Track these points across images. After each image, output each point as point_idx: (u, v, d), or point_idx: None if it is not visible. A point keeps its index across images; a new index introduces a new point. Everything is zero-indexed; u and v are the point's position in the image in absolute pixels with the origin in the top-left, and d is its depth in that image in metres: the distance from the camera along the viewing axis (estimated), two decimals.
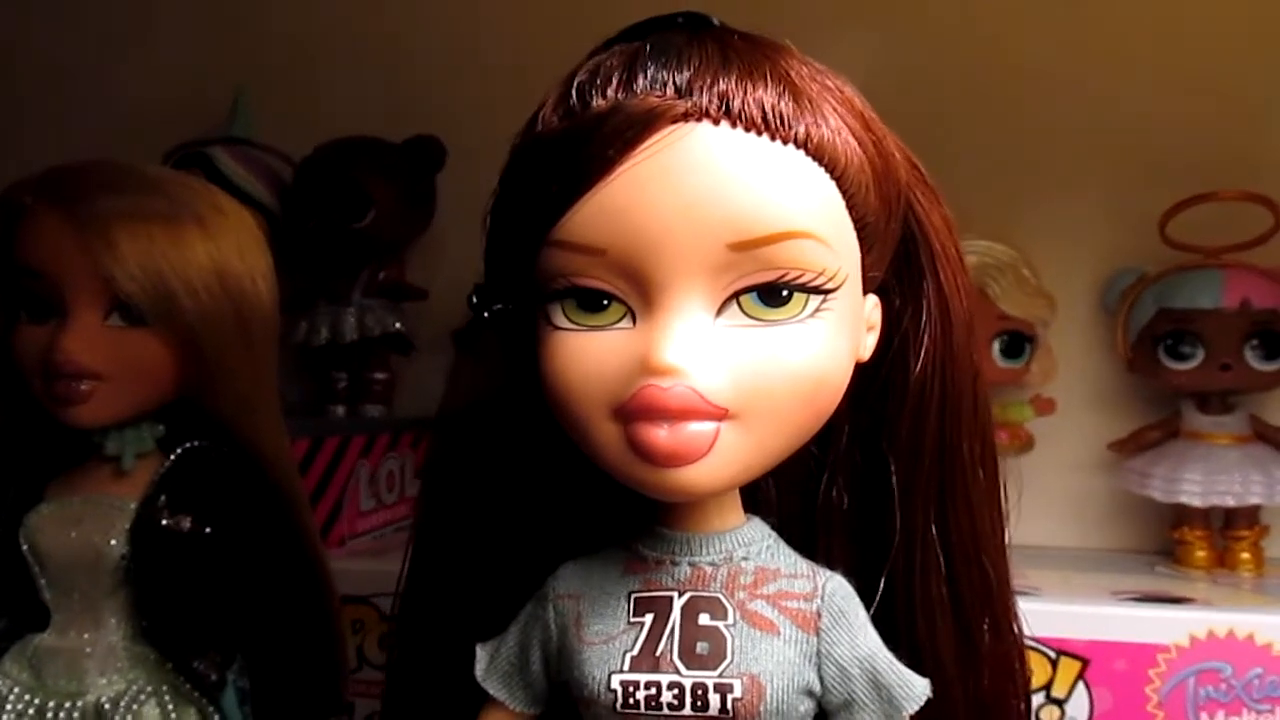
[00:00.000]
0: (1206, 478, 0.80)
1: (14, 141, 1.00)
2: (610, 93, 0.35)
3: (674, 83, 0.35)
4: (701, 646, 0.37)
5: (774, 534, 0.40)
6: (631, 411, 0.35)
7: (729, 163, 0.34)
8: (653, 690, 0.37)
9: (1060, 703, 0.67)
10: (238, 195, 0.66)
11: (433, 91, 0.99)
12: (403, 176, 0.93)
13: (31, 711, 0.53)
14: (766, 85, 0.35)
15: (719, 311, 0.35)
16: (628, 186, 0.34)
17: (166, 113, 1.00)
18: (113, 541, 0.54)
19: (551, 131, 0.36)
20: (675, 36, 0.37)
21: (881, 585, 0.42)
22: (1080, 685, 0.66)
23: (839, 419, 0.40)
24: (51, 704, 0.53)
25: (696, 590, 0.38)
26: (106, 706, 0.53)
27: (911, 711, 0.38)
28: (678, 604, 0.38)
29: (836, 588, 0.39)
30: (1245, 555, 0.82)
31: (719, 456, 0.35)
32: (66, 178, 0.54)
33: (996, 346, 0.85)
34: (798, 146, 0.35)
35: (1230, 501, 0.80)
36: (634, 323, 0.36)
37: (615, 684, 0.37)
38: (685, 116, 0.34)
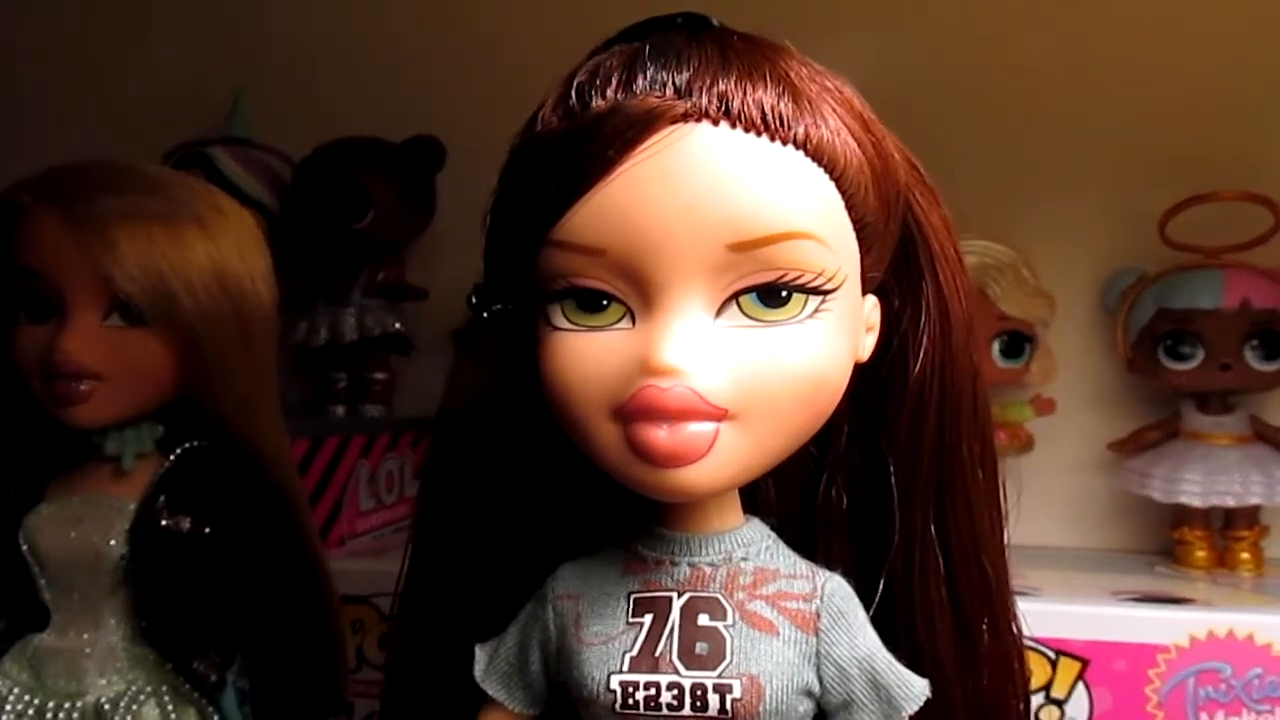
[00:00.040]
0: (1206, 478, 0.80)
1: (14, 141, 1.00)
2: (610, 93, 0.35)
3: (673, 83, 0.35)
4: (701, 647, 0.37)
5: (773, 534, 0.40)
6: (631, 412, 0.35)
7: (728, 163, 0.34)
8: (652, 691, 0.37)
9: (1060, 703, 0.67)
10: (237, 195, 0.66)
11: (432, 91, 0.99)
12: (402, 177, 0.93)
13: (31, 712, 0.53)
14: (766, 86, 0.35)
15: (718, 312, 0.35)
16: (627, 187, 0.34)
17: (166, 113, 1.00)
18: (112, 542, 0.54)
19: (551, 132, 0.36)
20: (675, 37, 0.37)
21: (881, 585, 0.42)
22: (1080, 685, 0.66)
23: (838, 419, 0.40)
24: (51, 704, 0.53)
25: (696, 591, 0.38)
26: (106, 707, 0.53)
27: (911, 712, 0.38)
28: (677, 604, 0.38)
29: (836, 588, 0.39)
30: (1245, 555, 0.82)
31: (718, 457, 0.35)
32: (66, 178, 0.54)
33: (996, 347, 0.85)
34: (797, 147, 0.35)
35: (1230, 502, 0.80)
36: (633, 323, 0.36)
37: (614, 684, 0.37)
38: (685, 117, 0.34)
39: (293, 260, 0.85)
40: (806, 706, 0.38)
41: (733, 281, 0.35)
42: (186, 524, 0.54)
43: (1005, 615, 0.44)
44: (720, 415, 0.35)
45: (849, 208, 0.37)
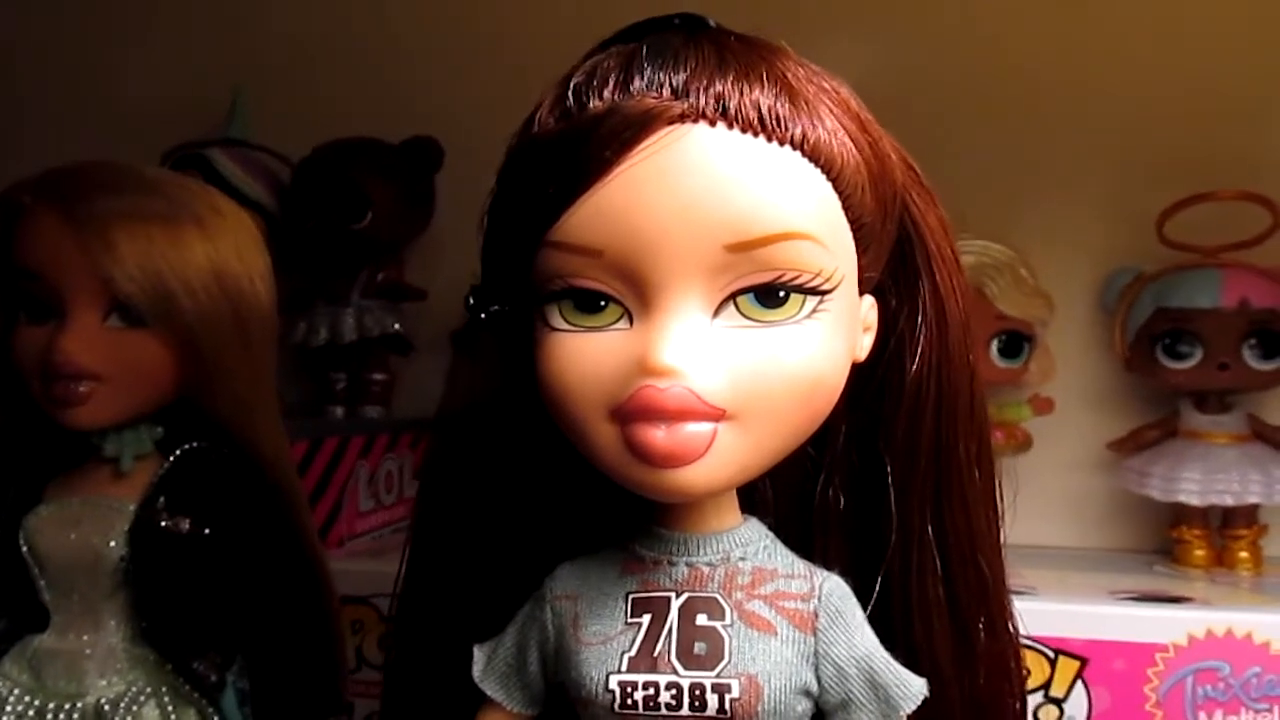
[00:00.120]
0: (1205, 477, 0.80)
1: (14, 141, 1.00)
2: (607, 94, 0.35)
3: (670, 84, 0.35)
4: (699, 647, 0.37)
5: (771, 534, 0.40)
6: (629, 412, 0.35)
7: (725, 164, 0.34)
8: (650, 691, 0.37)
9: (1059, 702, 0.67)
10: (236, 196, 0.66)
11: (431, 92, 0.99)
12: (401, 177, 0.93)
13: (31, 713, 0.53)
14: (763, 86, 0.35)
15: (716, 312, 0.35)
16: (624, 188, 0.35)
17: (165, 113, 1.00)
18: (112, 543, 0.54)
19: (548, 133, 0.36)
20: (672, 38, 0.37)
21: (878, 585, 0.42)
22: (1079, 685, 0.66)
23: (836, 419, 0.41)
24: (51, 705, 0.53)
25: (694, 591, 0.38)
26: (106, 708, 0.53)
27: (908, 711, 0.38)
28: (675, 604, 0.38)
29: (833, 588, 0.39)
30: (1243, 554, 0.82)
31: (716, 457, 0.35)
32: (65, 178, 0.54)
33: (994, 346, 0.85)
34: (794, 148, 0.35)
35: (1228, 500, 0.80)
36: (631, 324, 0.36)
37: (613, 684, 0.37)
38: (682, 118, 0.35)
39: (292, 261, 0.85)
40: (805, 706, 0.38)
41: (730, 282, 0.35)
42: (186, 525, 0.54)
43: (1002, 614, 0.44)
44: (718, 415, 0.35)
45: (846, 208, 0.37)
